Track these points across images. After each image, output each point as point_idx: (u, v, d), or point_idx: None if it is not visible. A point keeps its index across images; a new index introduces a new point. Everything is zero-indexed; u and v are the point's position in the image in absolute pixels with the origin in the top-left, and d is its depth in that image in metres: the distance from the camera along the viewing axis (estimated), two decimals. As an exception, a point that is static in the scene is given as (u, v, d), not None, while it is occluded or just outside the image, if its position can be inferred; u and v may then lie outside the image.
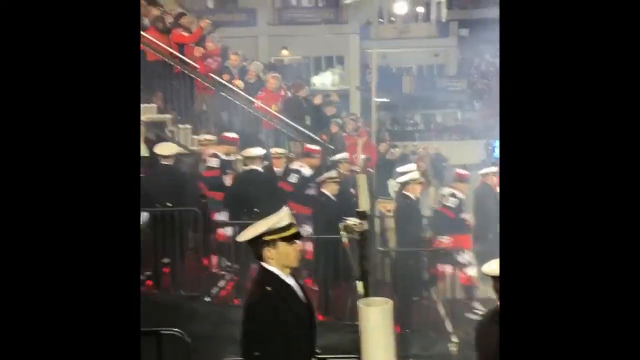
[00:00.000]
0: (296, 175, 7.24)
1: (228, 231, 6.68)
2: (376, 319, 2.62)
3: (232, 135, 7.80)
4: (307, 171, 7.31)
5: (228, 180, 7.27)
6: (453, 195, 7.00)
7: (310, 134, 9.20)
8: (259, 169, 7.09)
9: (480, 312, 5.39)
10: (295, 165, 7.47)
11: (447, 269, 6.58)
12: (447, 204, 6.97)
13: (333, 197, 6.71)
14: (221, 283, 6.77)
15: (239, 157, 7.74)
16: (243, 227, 5.81)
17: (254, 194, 6.74)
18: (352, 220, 2.78)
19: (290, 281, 2.82)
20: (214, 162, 7.37)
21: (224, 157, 7.46)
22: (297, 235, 2.80)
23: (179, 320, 5.20)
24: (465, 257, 6.67)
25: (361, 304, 2.65)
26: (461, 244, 6.78)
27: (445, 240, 6.71)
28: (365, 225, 2.82)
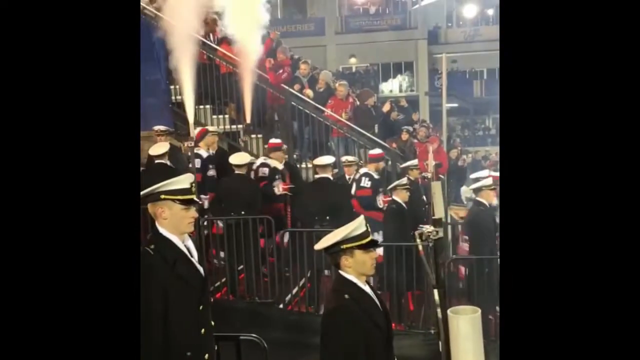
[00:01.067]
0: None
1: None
2: (466, 328, 2.58)
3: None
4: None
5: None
6: None
7: (380, 141, 9.19)
8: (330, 177, 7.14)
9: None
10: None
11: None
12: None
13: (404, 204, 6.68)
14: (294, 290, 6.84)
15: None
16: (316, 234, 5.93)
17: (325, 201, 6.80)
18: (427, 228, 2.76)
19: (367, 289, 2.84)
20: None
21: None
22: (373, 243, 2.82)
23: (254, 327, 5.30)
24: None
25: (450, 312, 2.63)
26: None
27: None
28: (441, 233, 2.79)
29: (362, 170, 7.53)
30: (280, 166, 7.42)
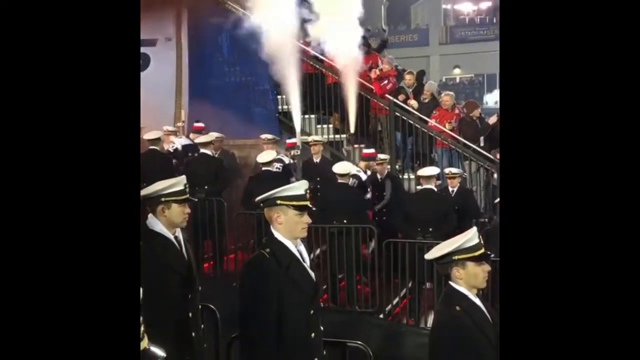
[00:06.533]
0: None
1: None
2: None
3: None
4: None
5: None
6: None
7: (485, 153, 8.97)
8: (433, 188, 7.07)
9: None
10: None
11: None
12: None
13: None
14: (395, 301, 6.81)
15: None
16: (419, 246, 5.88)
17: (428, 213, 6.73)
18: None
19: (478, 302, 2.79)
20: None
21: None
22: (485, 256, 2.77)
23: (353, 336, 5.31)
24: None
25: None
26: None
27: None
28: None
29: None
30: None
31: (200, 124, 8.37)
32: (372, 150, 7.79)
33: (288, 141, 8.09)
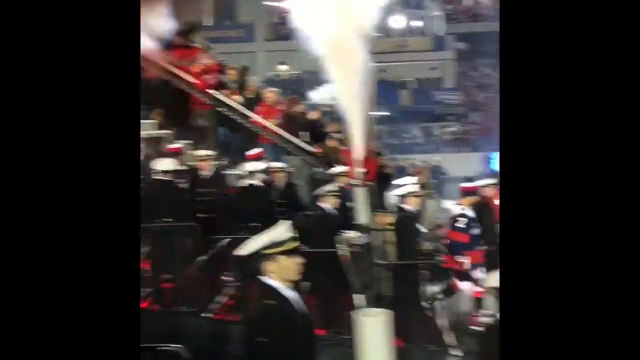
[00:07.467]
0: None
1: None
2: (372, 330, 2.61)
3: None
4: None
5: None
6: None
7: (308, 148, 9.22)
8: (259, 183, 7.11)
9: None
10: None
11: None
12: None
13: (333, 211, 6.70)
14: (221, 298, 6.74)
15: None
16: (241, 241, 5.86)
17: (253, 208, 6.76)
18: (351, 233, 2.79)
19: (291, 295, 2.81)
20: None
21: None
22: (296, 249, 2.81)
23: (179, 337, 5.17)
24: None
25: (359, 314, 2.65)
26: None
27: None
28: (366, 238, 2.82)
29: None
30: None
31: None
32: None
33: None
